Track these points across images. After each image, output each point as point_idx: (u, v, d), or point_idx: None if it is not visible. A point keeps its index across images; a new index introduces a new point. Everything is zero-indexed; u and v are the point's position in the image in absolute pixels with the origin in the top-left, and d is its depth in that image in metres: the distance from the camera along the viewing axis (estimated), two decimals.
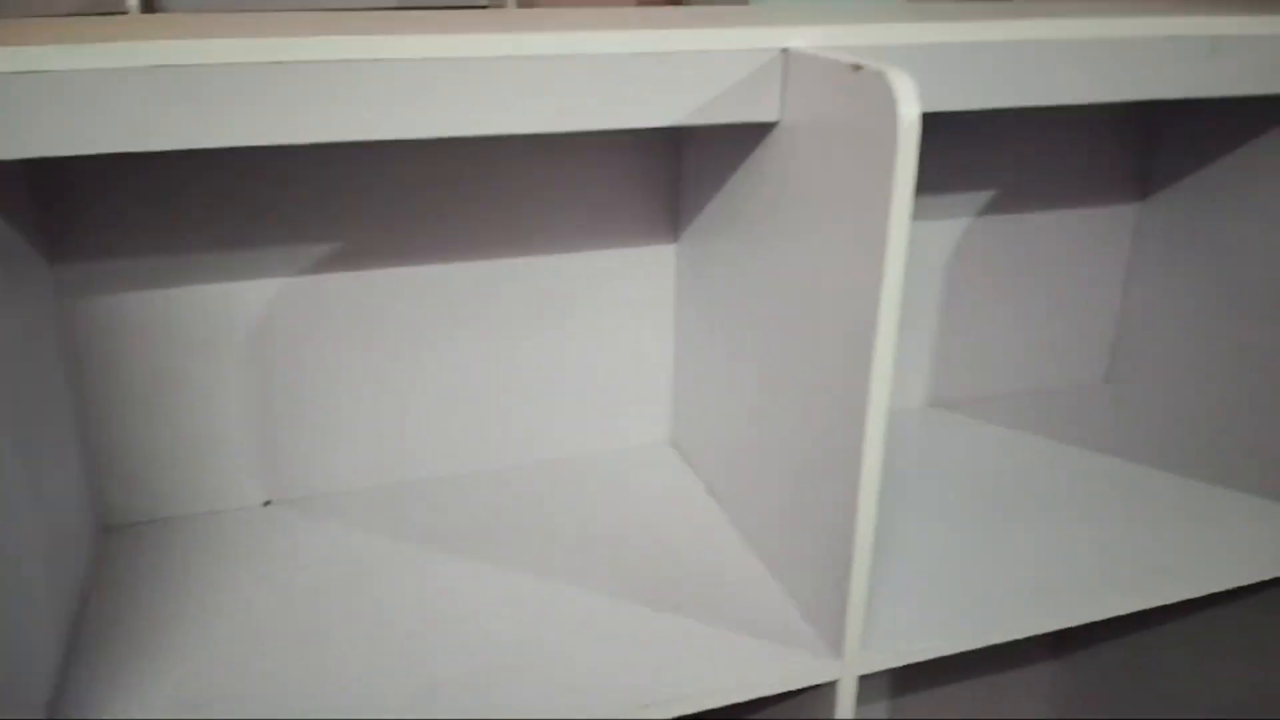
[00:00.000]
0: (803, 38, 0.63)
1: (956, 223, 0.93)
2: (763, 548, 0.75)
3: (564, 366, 0.86)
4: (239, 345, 0.76)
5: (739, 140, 0.71)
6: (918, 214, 0.92)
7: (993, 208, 0.94)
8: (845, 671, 0.65)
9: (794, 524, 0.70)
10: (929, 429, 0.95)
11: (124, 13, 1.47)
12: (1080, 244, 0.98)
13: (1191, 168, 0.93)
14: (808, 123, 0.62)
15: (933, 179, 0.91)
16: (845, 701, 0.66)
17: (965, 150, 0.91)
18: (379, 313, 0.79)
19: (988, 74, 0.66)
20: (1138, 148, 0.97)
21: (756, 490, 0.75)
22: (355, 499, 0.82)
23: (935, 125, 0.89)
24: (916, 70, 0.64)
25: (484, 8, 1.43)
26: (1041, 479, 0.87)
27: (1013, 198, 0.94)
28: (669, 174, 0.83)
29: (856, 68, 0.56)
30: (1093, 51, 0.69)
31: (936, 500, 0.83)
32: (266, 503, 0.80)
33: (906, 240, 0.55)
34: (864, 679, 1.10)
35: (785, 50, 0.63)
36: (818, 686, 0.67)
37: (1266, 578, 0.76)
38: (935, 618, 0.69)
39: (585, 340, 0.86)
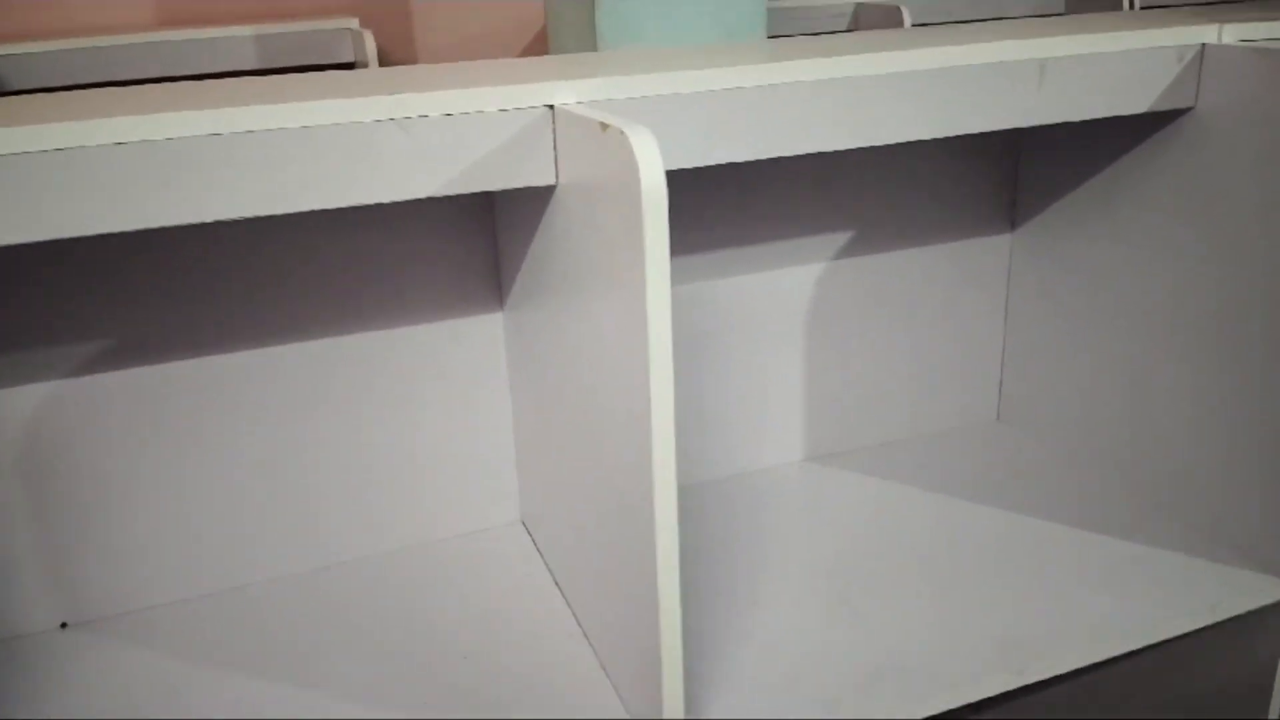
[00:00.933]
0: (571, 91, 0.57)
1: (823, 266, 0.88)
2: (594, 638, 0.69)
3: (399, 448, 0.80)
4: (17, 455, 0.70)
5: (531, 204, 0.66)
6: (780, 259, 0.86)
7: (860, 247, 0.89)
8: None
9: (612, 611, 0.64)
10: (806, 486, 0.89)
11: None
12: (956, 278, 0.93)
13: (1060, 192, 0.88)
14: (578, 184, 0.56)
15: (795, 220, 0.86)
16: None
17: (825, 187, 0.86)
18: (178, 407, 0.73)
19: (779, 120, 0.61)
20: (1006, 176, 0.92)
21: (585, 575, 0.69)
22: (164, 614, 0.75)
23: (788, 163, 0.84)
24: (691, 119, 0.59)
25: (350, 66, 1.38)
26: (922, 535, 0.81)
27: (881, 235, 0.89)
28: (488, 239, 0.77)
29: (604, 126, 0.50)
30: (914, 86, 0.64)
31: (803, 566, 0.77)
32: (63, 625, 0.73)
33: (667, 311, 0.49)
34: None
35: (551, 107, 0.57)
36: None
37: (1164, 638, 0.70)
38: (776, 705, 0.63)
39: (419, 418, 0.80)
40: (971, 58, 0.66)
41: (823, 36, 0.82)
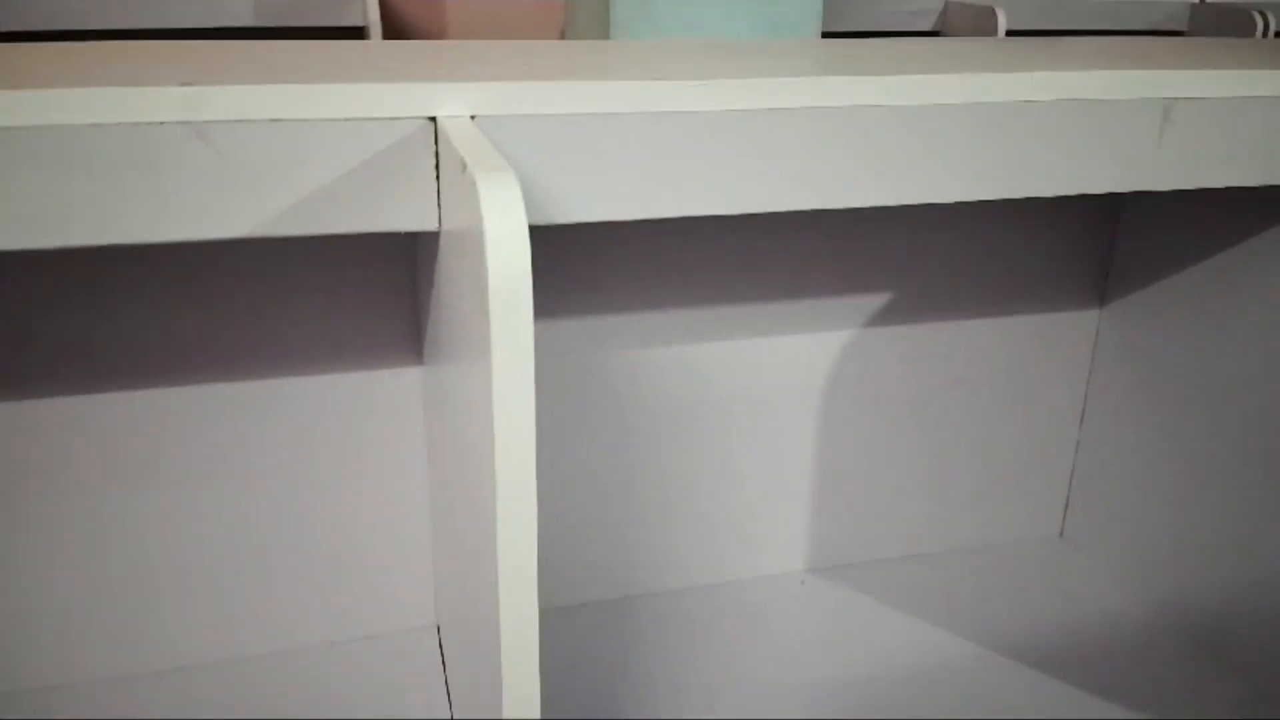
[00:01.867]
0: (466, 99, 0.39)
1: (848, 334, 0.69)
2: None
3: (302, 528, 0.63)
4: None
5: (430, 248, 0.48)
6: (794, 322, 0.67)
7: (897, 313, 0.69)
8: None
9: None
10: (809, 602, 0.70)
11: None
12: (1021, 359, 0.73)
13: (1169, 266, 0.68)
14: (455, 230, 0.39)
15: (815, 274, 0.67)
16: None
17: (855, 233, 0.67)
18: (57, 464, 0.57)
19: (764, 162, 0.43)
20: (1099, 236, 0.72)
21: (471, 703, 0.52)
22: (29, 700, 0.59)
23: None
24: (630, 152, 0.41)
25: (360, 29, 1.22)
26: (944, 683, 0.62)
27: (926, 300, 0.70)
28: (409, 283, 0.60)
29: (464, 166, 0.32)
30: (973, 126, 0.45)
31: (781, 704, 0.59)
32: None
33: (526, 394, 0.31)
34: None
35: (433, 120, 0.39)
36: None
37: None
38: None
39: (325, 491, 0.63)
40: (1060, 90, 0.46)
41: (884, 41, 0.63)
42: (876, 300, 0.69)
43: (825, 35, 1.57)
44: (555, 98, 0.40)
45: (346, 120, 0.38)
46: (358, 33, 1.23)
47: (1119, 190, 0.48)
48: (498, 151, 0.35)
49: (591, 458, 0.67)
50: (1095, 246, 0.72)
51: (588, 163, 0.41)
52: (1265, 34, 1.50)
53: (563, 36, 1.52)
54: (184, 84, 0.37)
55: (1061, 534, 0.79)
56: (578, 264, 0.63)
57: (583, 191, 0.42)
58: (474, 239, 0.31)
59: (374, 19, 1.14)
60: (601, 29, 0.87)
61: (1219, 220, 0.63)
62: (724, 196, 0.43)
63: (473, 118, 0.39)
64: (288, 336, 0.59)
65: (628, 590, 0.71)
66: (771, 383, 0.68)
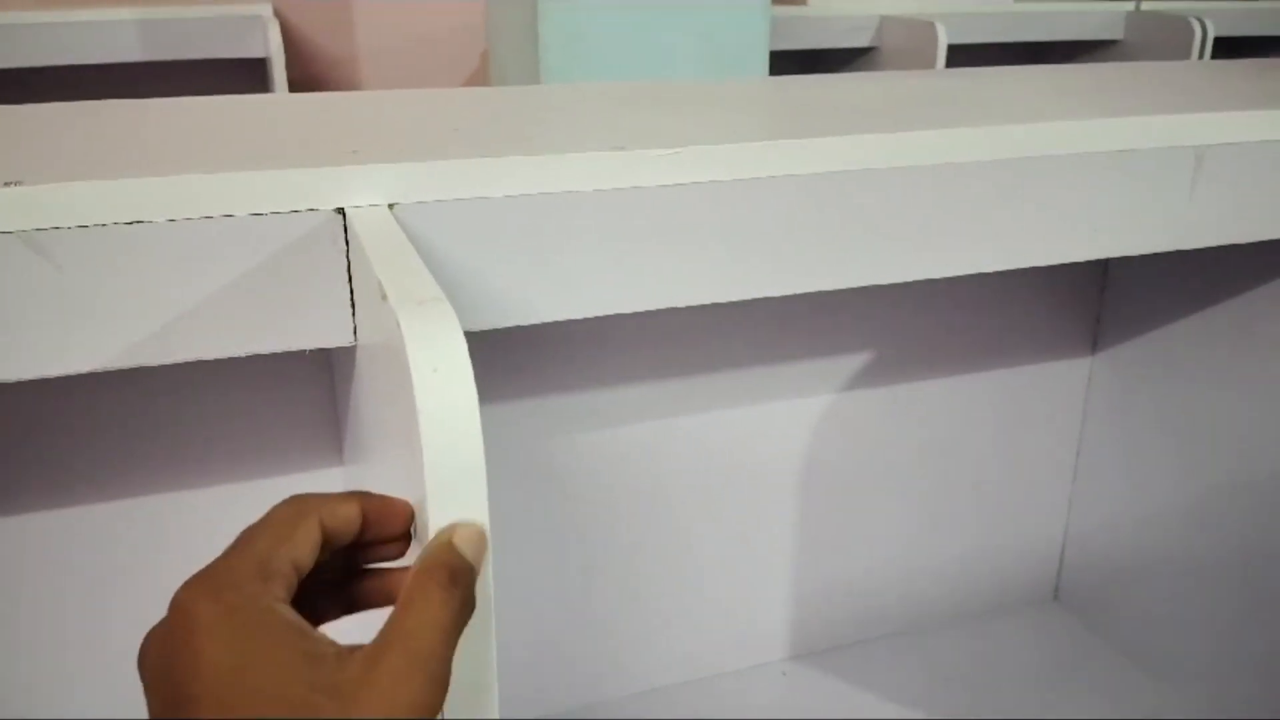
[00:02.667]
0: (378, 185, 0.31)
1: (829, 399, 0.62)
2: None
3: None
4: None
5: (345, 358, 0.40)
6: (775, 388, 0.60)
7: (879, 374, 0.63)
8: None
9: None
10: (791, 697, 0.63)
11: None
12: (1009, 414, 0.67)
13: (1160, 315, 0.62)
14: (370, 344, 0.31)
15: (793, 339, 0.60)
16: None
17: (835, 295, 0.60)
18: None
19: (728, 242, 0.35)
20: (1087, 283, 0.66)
21: None
22: None
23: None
24: (578, 240, 0.33)
25: (261, 62, 1.12)
26: None
27: (909, 359, 0.63)
28: (327, 389, 0.52)
29: (383, 296, 0.25)
30: (975, 188, 0.38)
31: None
32: None
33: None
34: None
35: (341, 212, 0.31)
36: None
37: None
38: None
39: None
40: (1074, 142, 0.40)
41: (833, 79, 0.56)
42: (853, 362, 0.62)
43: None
44: (489, 176, 0.32)
45: (228, 218, 0.30)
46: (259, 66, 1.13)
47: (1149, 251, 0.42)
48: (424, 266, 0.27)
49: (547, 553, 0.59)
50: (1086, 290, 0.66)
51: (531, 254, 0.33)
52: (1203, 42, 1.48)
53: (483, 70, 1.43)
54: (7, 183, 0.28)
55: (1056, 596, 0.73)
56: (521, 340, 0.55)
57: (527, 289, 0.34)
58: (405, 395, 0.23)
59: (275, 49, 1.05)
60: (529, 70, 0.79)
61: (1217, 265, 0.58)
62: (698, 284, 0.36)
63: (390, 206, 0.31)
64: (203, 444, 0.51)
65: (592, 697, 0.63)
66: (743, 456, 0.61)
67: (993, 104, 0.46)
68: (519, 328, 0.54)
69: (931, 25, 1.31)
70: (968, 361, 0.65)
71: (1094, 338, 0.67)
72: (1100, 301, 0.66)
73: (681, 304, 0.35)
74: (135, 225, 0.29)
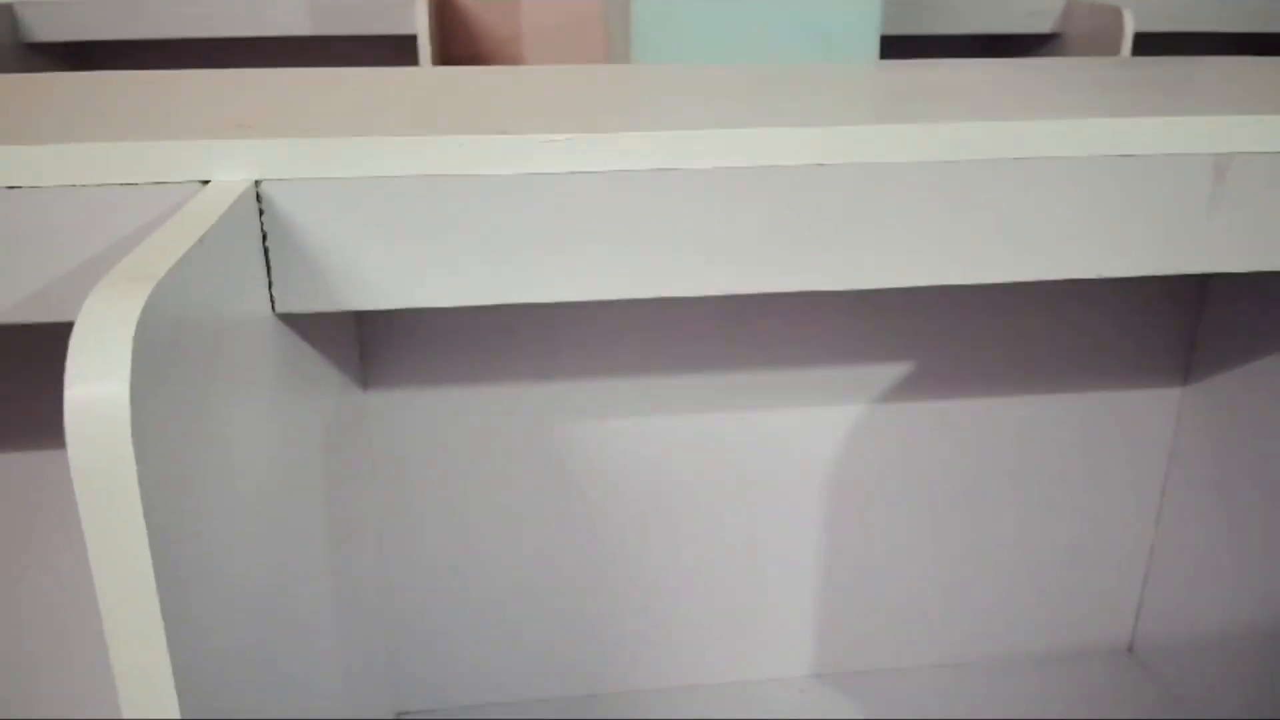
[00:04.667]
0: (244, 163, 0.32)
1: (869, 409, 0.58)
2: None
3: None
4: None
5: None
6: (808, 392, 0.57)
7: (930, 386, 0.58)
8: None
9: None
10: (807, 713, 0.60)
11: None
12: (1083, 442, 0.61)
13: (1260, 339, 0.54)
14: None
15: (836, 338, 0.56)
16: None
17: (898, 299, 0.56)
18: None
19: (653, 231, 0.33)
20: (1182, 302, 0.58)
21: None
22: None
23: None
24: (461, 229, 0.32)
25: (413, 37, 1.16)
26: None
27: (966, 371, 0.58)
28: None
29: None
30: (950, 191, 0.35)
31: None
32: None
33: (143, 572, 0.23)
34: None
35: (207, 184, 0.32)
36: None
37: None
38: None
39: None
40: (1050, 144, 0.35)
41: (939, 67, 0.52)
42: (899, 370, 0.58)
43: (928, 39, 1.43)
44: (354, 156, 0.32)
45: (103, 186, 0.31)
46: (409, 42, 1.18)
47: (1158, 273, 0.37)
48: (213, 247, 0.26)
49: (561, 543, 0.58)
50: (1178, 312, 0.58)
51: (405, 237, 0.33)
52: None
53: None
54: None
55: (1131, 648, 0.66)
56: (544, 314, 0.54)
57: (402, 271, 0.33)
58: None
59: (422, 24, 1.09)
60: (624, 49, 0.78)
61: None
62: (588, 279, 0.34)
63: (257, 183, 0.32)
64: None
65: (594, 689, 0.62)
66: (779, 460, 0.58)
67: (1008, 99, 0.41)
68: (541, 308, 0.53)
69: (1118, 11, 1.20)
70: (1039, 382, 0.59)
71: (1187, 366, 0.59)
72: (1196, 325, 0.59)
73: (571, 299, 0.34)
74: (15, 190, 0.31)
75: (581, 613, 0.60)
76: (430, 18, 1.18)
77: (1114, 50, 1.21)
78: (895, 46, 1.44)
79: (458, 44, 1.44)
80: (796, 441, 0.58)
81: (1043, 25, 1.31)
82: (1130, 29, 1.19)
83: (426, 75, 0.48)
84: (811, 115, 0.36)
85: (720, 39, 0.75)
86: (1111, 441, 0.61)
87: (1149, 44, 1.43)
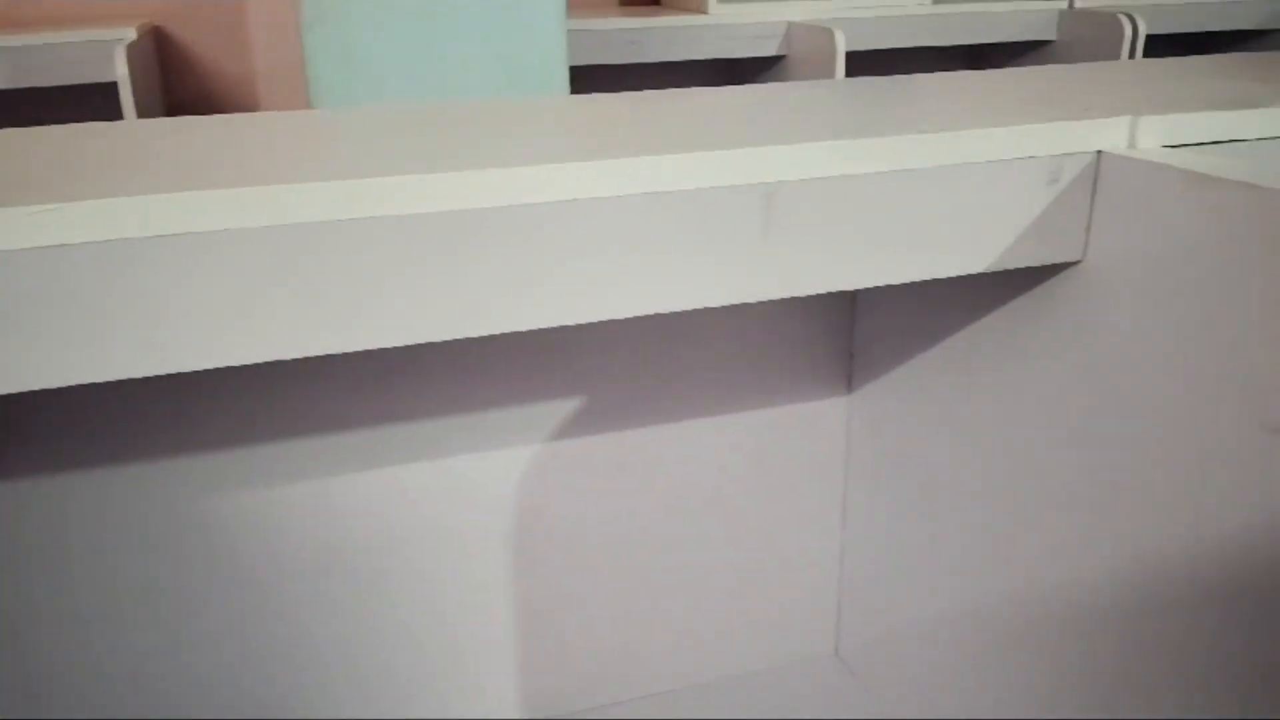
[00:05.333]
0: None
1: (542, 448, 0.57)
2: None
3: None
4: None
5: None
6: (487, 435, 0.56)
7: (601, 419, 0.58)
8: None
9: None
10: None
11: None
12: (778, 457, 0.62)
13: (909, 347, 0.57)
14: None
15: (509, 379, 0.55)
16: None
17: (562, 335, 0.56)
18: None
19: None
20: (838, 318, 0.61)
21: None
22: None
23: None
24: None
25: (111, 83, 1.10)
26: None
27: (638, 402, 0.59)
28: None
29: None
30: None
31: None
32: None
33: None
34: None
35: None
36: None
37: None
38: None
39: None
40: (606, 184, 0.35)
41: (616, 100, 0.52)
42: (572, 406, 0.57)
43: (661, 65, 1.46)
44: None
45: None
46: (110, 89, 1.11)
47: (718, 304, 0.37)
48: None
49: (222, 625, 0.55)
50: (835, 323, 0.61)
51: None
52: (1134, 40, 1.40)
53: None
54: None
55: (837, 651, 0.68)
56: (172, 386, 0.51)
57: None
58: None
59: (122, 74, 1.03)
60: (304, 92, 0.76)
61: (948, 297, 0.53)
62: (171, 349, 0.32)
63: None
64: None
65: None
66: (447, 510, 0.57)
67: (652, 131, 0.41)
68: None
69: (830, 32, 1.26)
70: (714, 404, 0.60)
71: (849, 374, 0.62)
72: (852, 335, 0.61)
73: (192, 368, 0.31)
74: None
75: (254, 690, 0.57)
76: (138, 63, 1.12)
77: (829, 72, 1.26)
78: (621, 74, 1.47)
79: (184, 86, 1.38)
80: (481, 487, 0.57)
81: (768, 49, 1.36)
82: (842, 49, 1.25)
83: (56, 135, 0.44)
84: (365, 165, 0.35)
85: (401, 76, 0.74)
86: (790, 454, 0.63)
87: (861, 62, 1.51)
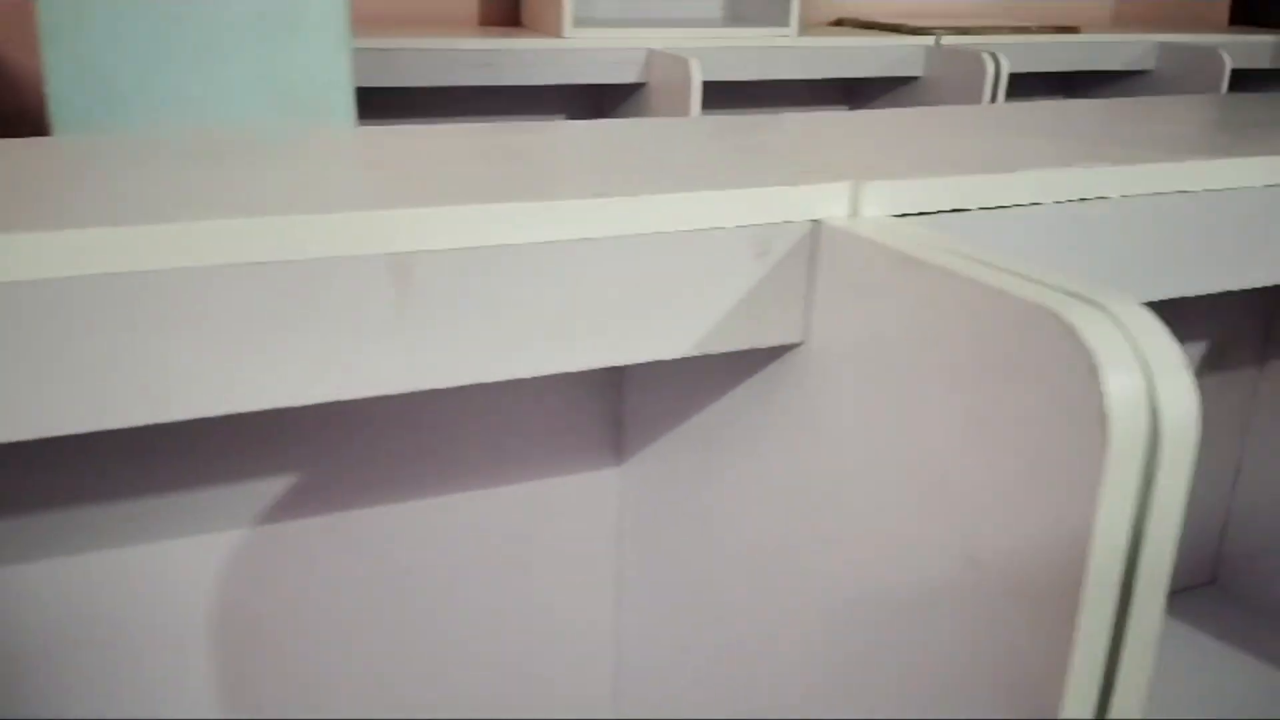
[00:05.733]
0: None
1: (246, 533, 0.51)
2: None
3: None
4: None
5: None
6: (179, 521, 0.49)
7: (357, 496, 0.52)
8: None
9: None
10: None
11: None
12: (550, 531, 0.57)
13: (668, 423, 0.52)
14: None
15: (208, 456, 0.49)
16: None
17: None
18: None
19: None
20: (607, 395, 0.56)
21: None
22: None
23: None
24: None
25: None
26: None
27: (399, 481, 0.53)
28: None
29: None
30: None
31: None
32: None
33: None
34: None
35: None
36: None
37: None
38: None
39: None
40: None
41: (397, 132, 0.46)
42: (292, 483, 0.51)
43: (529, 89, 1.41)
44: None
45: None
46: None
47: (349, 397, 0.32)
48: None
49: None
50: (603, 394, 0.56)
51: None
52: (997, 79, 1.39)
53: None
54: None
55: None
56: None
57: None
58: None
59: None
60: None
61: (701, 371, 0.48)
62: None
63: None
64: None
65: None
66: (145, 604, 0.50)
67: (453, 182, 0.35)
68: None
69: (685, 61, 1.22)
70: (486, 477, 0.55)
71: (618, 445, 0.57)
72: (620, 406, 0.56)
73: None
74: None
75: None
76: None
77: (685, 103, 1.23)
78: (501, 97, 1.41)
79: (4, 102, 1.28)
80: (186, 577, 0.51)
81: (628, 75, 1.32)
82: (698, 79, 1.21)
83: None
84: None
85: (151, 98, 0.67)
86: (562, 528, 0.57)
87: (723, 94, 1.48)
